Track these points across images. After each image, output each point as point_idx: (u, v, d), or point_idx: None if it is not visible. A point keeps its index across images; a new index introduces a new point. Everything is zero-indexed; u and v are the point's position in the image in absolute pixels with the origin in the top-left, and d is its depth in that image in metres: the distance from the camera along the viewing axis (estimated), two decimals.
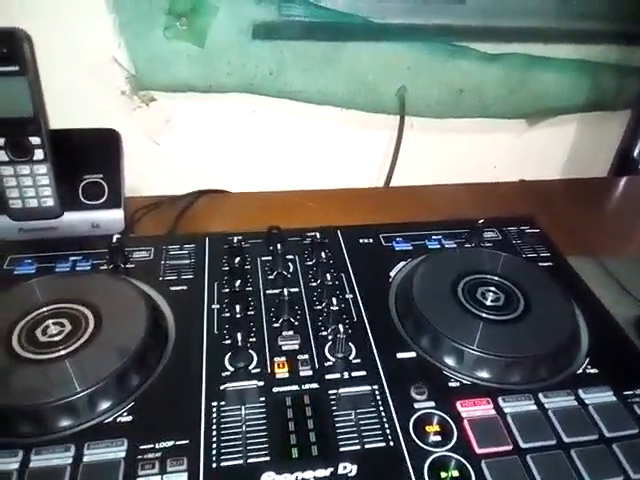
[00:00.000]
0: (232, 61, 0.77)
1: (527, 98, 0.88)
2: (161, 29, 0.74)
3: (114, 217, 0.63)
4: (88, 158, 0.65)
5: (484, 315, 0.51)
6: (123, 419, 0.42)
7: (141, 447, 0.40)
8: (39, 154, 0.60)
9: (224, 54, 0.77)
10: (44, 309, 0.48)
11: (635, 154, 0.87)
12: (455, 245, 0.63)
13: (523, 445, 0.42)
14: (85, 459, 0.39)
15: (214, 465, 0.39)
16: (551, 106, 0.90)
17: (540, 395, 0.46)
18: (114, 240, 0.55)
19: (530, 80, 0.87)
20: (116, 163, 0.65)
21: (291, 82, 0.80)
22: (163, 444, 0.40)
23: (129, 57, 0.76)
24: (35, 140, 0.59)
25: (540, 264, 0.60)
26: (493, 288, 0.54)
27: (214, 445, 0.41)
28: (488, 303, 0.52)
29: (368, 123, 0.86)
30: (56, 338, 0.45)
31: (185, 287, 0.54)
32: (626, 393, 0.46)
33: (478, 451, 0.41)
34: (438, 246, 0.63)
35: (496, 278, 0.55)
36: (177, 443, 0.40)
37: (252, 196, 0.77)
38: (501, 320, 0.51)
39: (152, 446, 0.40)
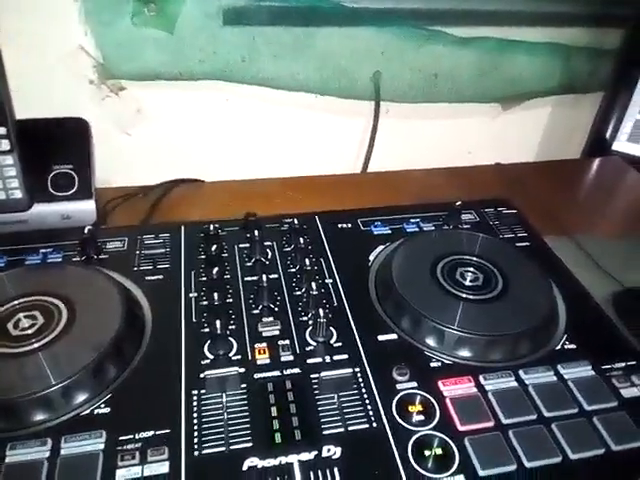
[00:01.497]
0: (203, 48, 0.76)
1: (500, 82, 0.89)
2: (129, 16, 0.72)
3: (85, 208, 0.62)
4: (56, 148, 0.63)
5: (464, 295, 0.51)
6: (100, 411, 0.41)
7: (120, 438, 0.39)
8: (5, 144, 0.58)
9: (194, 41, 0.75)
10: (15, 302, 0.46)
11: (607, 135, 0.88)
12: (433, 228, 0.63)
13: (505, 421, 0.42)
14: (62, 452, 0.38)
15: (196, 453, 0.39)
16: (524, 90, 0.91)
17: (520, 372, 0.46)
18: (86, 231, 0.54)
19: (503, 64, 0.87)
20: (86, 153, 0.64)
21: (264, 69, 0.79)
22: (143, 434, 0.39)
23: (96, 45, 0.74)
24: (0, 130, 0.57)
25: (517, 244, 0.61)
26: (472, 268, 0.54)
27: (195, 433, 0.40)
28: (467, 283, 0.53)
29: (343, 110, 0.85)
30: (28, 331, 0.44)
31: (161, 276, 0.53)
32: (604, 367, 0.47)
33: (461, 428, 0.42)
34: (416, 229, 0.62)
35: (474, 259, 0.56)
36: (157, 433, 0.40)
37: (228, 185, 0.76)
38: (480, 299, 0.51)
39: (132, 437, 0.39)
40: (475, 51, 0.85)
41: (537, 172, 0.84)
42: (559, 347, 0.49)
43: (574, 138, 0.96)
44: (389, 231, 0.62)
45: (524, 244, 0.61)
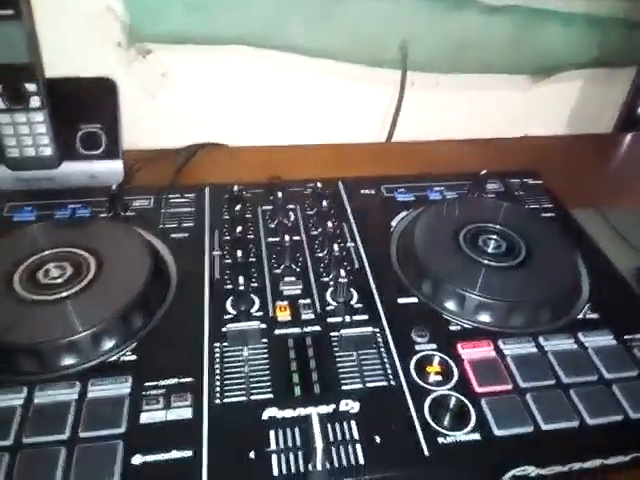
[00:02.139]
0: (231, 12, 0.75)
1: (531, 53, 0.86)
2: None
3: (112, 168, 0.63)
4: (85, 108, 0.64)
5: (485, 262, 0.51)
6: (127, 358, 0.42)
7: (145, 384, 0.40)
8: (35, 101, 0.59)
9: (223, 4, 0.75)
10: (45, 252, 0.48)
11: (639, 111, 0.86)
12: (457, 196, 0.62)
13: (522, 385, 0.43)
14: (90, 395, 0.39)
15: (217, 401, 0.40)
16: (556, 62, 0.89)
17: (540, 338, 0.46)
18: (113, 187, 0.55)
19: (534, 35, 0.85)
20: (113, 113, 0.64)
21: (292, 34, 0.78)
22: (167, 382, 0.41)
23: (125, 6, 0.74)
24: (31, 87, 0.58)
25: (542, 215, 0.60)
26: (495, 236, 0.54)
27: (217, 383, 0.41)
28: (490, 250, 0.52)
29: (369, 78, 0.84)
30: (58, 280, 0.45)
31: (186, 234, 0.54)
32: (626, 337, 0.47)
33: (478, 390, 0.42)
34: (440, 197, 0.62)
35: (498, 226, 0.55)
36: (181, 381, 0.41)
37: (252, 150, 0.76)
38: (502, 266, 0.51)
39: (156, 383, 0.40)
40: (506, 20, 0.83)
41: (566, 145, 0.83)
42: (581, 316, 0.49)
43: (605, 113, 0.94)
44: (412, 198, 0.62)
45: (549, 215, 0.60)
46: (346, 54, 0.81)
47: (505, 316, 0.48)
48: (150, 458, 0.36)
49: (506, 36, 0.84)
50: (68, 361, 0.41)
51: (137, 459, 0.36)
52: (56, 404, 0.39)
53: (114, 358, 0.42)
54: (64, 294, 0.44)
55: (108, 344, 0.43)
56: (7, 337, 0.41)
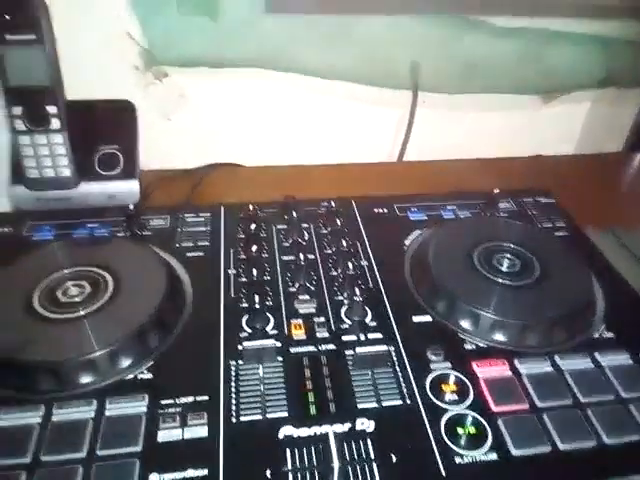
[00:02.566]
0: (245, 35, 0.77)
1: (540, 74, 0.87)
2: (175, 4, 0.74)
3: (129, 188, 0.64)
4: (104, 129, 0.66)
5: (500, 280, 0.51)
6: (144, 376, 0.43)
7: (162, 402, 0.41)
8: (56, 123, 0.60)
9: (237, 28, 0.77)
10: (65, 271, 0.49)
11: None
12: (470, 215, 0.63)
13: (539, 404, 0.42)
14: (107, 413, 0.40)
15: (234, 420, 0.40)
16: (565, 82, 0.89)
17: (556, 357, 0.46)
18: (131, 207, 0.56)
19: (544, 55, 0.86)
20: (132, 134, 0.66)
21: (303, 57, 0.80)
22: (183, 400, 0.41)
23: (142, 32, 0.76)
24: (52, 109, 0.60)
25: (556, 234, 0.60)
26: (509, 255, 0.54)
27: (233, 401, 0.41)
28: (504, 269, 0.52)
29: (381, 99, 0.85)
30: (76, 299, 0.46)
31: (202, 253, 0.55)
32: None
33: (495, 409, 0.42)
34: (453, 216, 0.63)
35: (512, 245, 0.55)
36: (197, 399, 0.41)
37: (266, 170, 0.77)
38: (517, 286, 0.51)
39: (173, 401, 0.41)
40: (516, 42, 0.84)
41: (577, 165, 0.83)
42: (597, 335, 0.48)
43: (614, 133, 0.94)
44: (425, 217, 0.62)
45: (562, 234, 0.60)
46: (358, 75, 0.83)
47: (520, 335, 0.47)
48: (167, 477, 0.36)
49: (515, 57, 0.85)
50: (85, 379, 0.42)
51: (154, 478, 0.36)
52: (73, 422, 0.39)
53: (131, 376, 0.42)
54: (82, 312, 0.45)
55: (125, 362, 0.43)
56: (24, 355, 0.41)
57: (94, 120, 0.66)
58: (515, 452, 0.39)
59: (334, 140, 0.88)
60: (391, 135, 0.89)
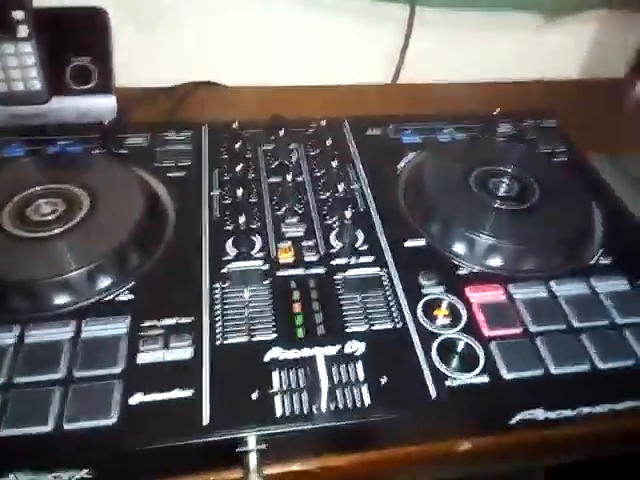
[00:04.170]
0: None
1: None
2: None
3: (105, 103, 0.59)
4: (75, 39, 0.60)
5: (496, 205, 0.49)
6: (124, 298, 0.41)
7: (144, 324, 0.39)
8: (23, 31, 0.55)
9: None
10: (36, 188, 0.45)
11: None
12: (467, 138, 0.60)
13: (532, 329, 0.41)
14: (84, 334, 0.38)
15: (218, 342, 0.38)
16: (571, 1, 0.84)
17: (551, 282, 0.45)
18: (105, 123, 0.52)
19: None
20: (105, 46, 0.60)
21: None
22: (166, 321, 0.39)
23: None
24: (18, 15, 0.54)
25: (557, 158, 0.58)
26: (506, 179, 0.52)
27: (218, 323, 0.40)
28: (501, 193, 0.50)
29: (375, 13, 0.79)
30: (49, 217, 0.43)
31: (183, 173, 0.52)
32: None
33: (487, 333, 0.41)
34: (449, 139, 0.59)
35: (510, 169, 0.53)
36: (181, 321, 0.39)
37: (251, 90, 0.73)
38: (513, 210, 0.49)
39: (154, 323, 0.39)
40: None
41: (581, 89, 0.79)
42: (594, 261, 0.47)
43: (621, 57, 0.90)
44: (420, 140, 0.59)
45: (563, 158, 0.58)
46: None
47: (515, 260, 0.46)
48: (149, 398, 0.35)
49: None
50: (62, 300, 0.40)
51: (135, 399, 0.35)
52: (49, 343, 0.37)
53: (110, 297, 0.40)
54: (57, 231, 0.42)
55: (104, 283, 0.41)
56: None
57: (64, 29, 0.60)
58: (507, 375, 0.38)
59: (324, 59, 0.83)
60: (386, 55, 0.83)
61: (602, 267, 0.47)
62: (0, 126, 0.58)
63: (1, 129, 0.57)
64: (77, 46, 0.60)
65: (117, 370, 0.36)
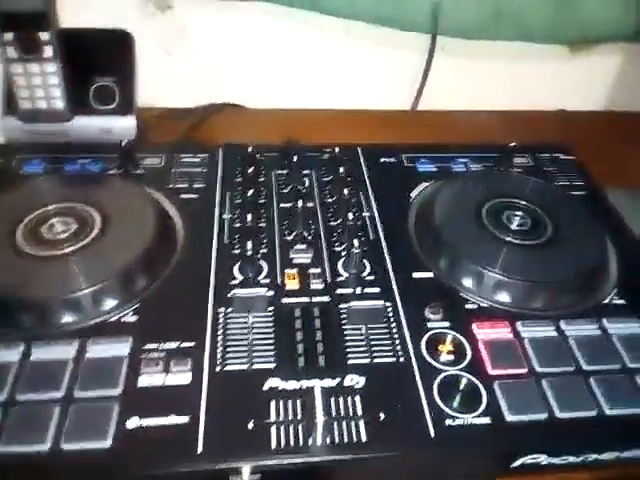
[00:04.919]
0: None
1: (571, 23, 0.81)
2: None
3: (126, 123, 0.61)
4: (99, 60, 0.62)
5: (508, 239, 0.48)
6: (128, 319, 0.41)
7: (145, 347, 0.39)
8: (48, 51, 0.57)
9: None
10: (50, 207, 0.46)
11: None
12: (482, 169, 0.59)
13: (539, 369, 0.40)
14: (88, 354, 0.38)
15: (218, 368, 0.38)
16: (596, 33, 0.83)
17: (561, 322, 0.44)
18: (123, 143, 0.53)
19: (576, 3, 0.80)
20: (129, 67, 0.62)
21: None
22: (168, 345, 0.39)
23: None
24: (44, 36, 0.56)
25: (573, 192, 0.57)
26: (520, 212, 0.51)
27: (219, 349, 0.40)
28: (513, 227, 0.50)
29: (397, 42, 0.80)
30: (61, 236, 0.44)
31: (196, 195, 0.52)
32: None
33: (491, 372, 0.40)
34: (464, 169, 0.59)
35: (524, 203, 0.52)
36: (182, 345, 0.39)
37: (271, 113, 0.74)
38: (526, 245, 0.48)
39: (157, 346, 0.39)
40: None
41: (603, 122, 0.78)
42: (607, 301, 0.46)
43: None
44: (434, 169, 0.59)
45: (580, 193, 0.57)
46: (373, 15, 0.77)
47: (525, 297, 0.45)
48: (147, 421, 0.35)
49: (545, 3, 0.79)
50: (68, 318, 0.40)
51: (132, 422, 0.35)
52: (53, 361, 0.38)
53: (115, 318, 0.41)
54: (67, 250, 0.43)
55: (110, 303, 0.41)
56: (4, 290, 0.40)
57: (89, 50, 0.62)
58: (509, 417, 0.37)
59: (345, 84, 0.83)
60: (406, 82, 0.84)
61: (615, 307, 0.45)
62: (23, 142, 0.60)
63: (24, 145, 0.58)
64: (101, 67, 0.62)
65: (116, 392, 0.36)
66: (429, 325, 0.43)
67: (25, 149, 0.57)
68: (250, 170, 0.54)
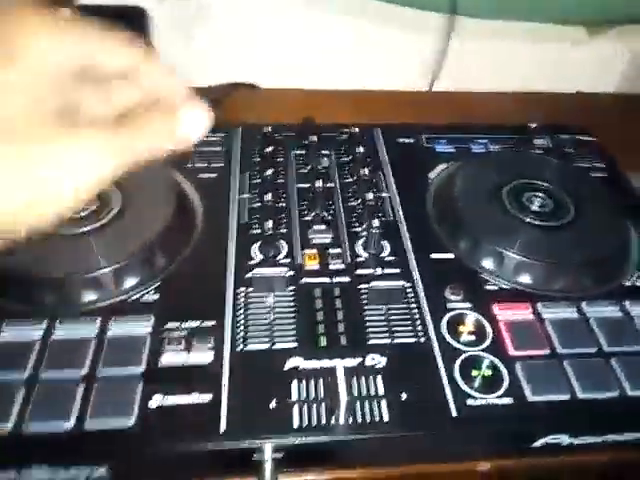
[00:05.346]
0: None
1: (590, 3, 0.80)
2: None
3: None
4: None
5: (528, 220, 0.48)
6: (150, 298, 0.41)
7: (167, 326, 0.39)
8: None
9: None
10: None
11: None
12: (502, 150, 0.58)
13: (560, 350, 0.40)
14: (110, 332, 0.38)
15: (239, 347, 0.39)
16: (615, 14, 0.81)
17: (583, 304, 0.43)
18: None
19: None
20: (144, 44, 0.61)
21: None
22: (190, 324, 0.39)
23: None
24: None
25: (593, 174, 0.56)
26: (541, 194, 0.50)
27: (240, 329, 0.40)
28: (534, 208, 0.49)
29: (414, 22, 0.79)
30: (82, 214, 0.44)
31: (214, 175, 0.52)
32: None
33: (512, 353, 0.40)
34: (483, 150, 0.58)
35: (545, 184, 0.51)
36: (203, 324, 0.40)
37: (288, 93, 0.73)
38: (547, 226, 0.48)
39: (179, 325, 0.39)
40: None
41: (623, 104, 0.77)
42: (629, 283, 0.45)
43: None
44: (453, 150, 0.58)
45: (601, 174, 0.56)
46: None
47: (546, 278, 0.45)
48: (170, 399, 0.35)
49: None
50: (89, 297, 0.40)
51: (155, 401, 0.35)
52: (75, 340, 0.38)
53: (136, 297, 0.41)
54: (88, 228, 0.43)
55: (131, 282, 0.41)
56: (28, 268, 0.40)
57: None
58: (531, 398, 0.37)
59: (362, 64, 0.82)
60: (423, 63, 0.82)
61: (637, 289, 0.45)
62: None
63: None
64: None
65: (139, 370, 0.36)
66: (449, 306, 0.43)
67: None
68: (268, 150, 0.53)
